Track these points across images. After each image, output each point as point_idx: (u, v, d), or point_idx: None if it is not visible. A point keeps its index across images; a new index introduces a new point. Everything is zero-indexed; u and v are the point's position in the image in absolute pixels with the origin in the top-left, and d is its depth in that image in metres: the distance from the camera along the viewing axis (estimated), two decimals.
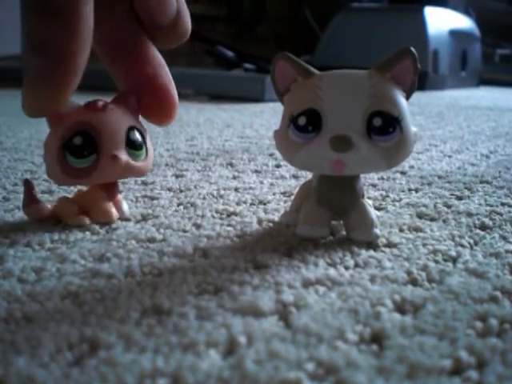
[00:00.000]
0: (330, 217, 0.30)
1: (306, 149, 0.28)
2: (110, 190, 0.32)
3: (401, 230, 0.32)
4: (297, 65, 0.29)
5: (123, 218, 0.33)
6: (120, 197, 0.33)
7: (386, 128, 0.27)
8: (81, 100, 0.31)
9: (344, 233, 0.31)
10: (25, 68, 0.27)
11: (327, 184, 0.30)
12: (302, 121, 0.28)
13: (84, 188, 0.33)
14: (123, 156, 0.30)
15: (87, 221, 0.32)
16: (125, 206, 0.34)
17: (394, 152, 0.28)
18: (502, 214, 0.36)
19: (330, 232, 0.30)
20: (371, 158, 0.27)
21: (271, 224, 0.33)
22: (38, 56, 0.26)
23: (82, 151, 0.30)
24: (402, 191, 0.42)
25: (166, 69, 0.32)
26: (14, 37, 1.59)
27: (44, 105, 0.28)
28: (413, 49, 0.28)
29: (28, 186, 0.33)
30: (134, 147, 0.31)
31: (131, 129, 0.31)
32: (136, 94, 0.31)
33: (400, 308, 0.22)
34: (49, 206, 0.33)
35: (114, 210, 0.33)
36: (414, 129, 0.29)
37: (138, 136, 0.31)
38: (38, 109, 0.28)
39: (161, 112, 0.32)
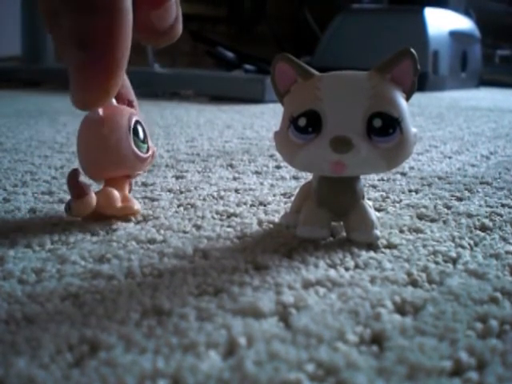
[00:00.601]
0: (330, 218, 0.30)
1: (306, 150, 0.28)
2: (131, 183, 0.34)
3: (401, 231, 0.32)
4: (297, 66, 0.29)
5: (126, 219, 0.33)
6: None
7: (386, 129, 0.27)
8: None
9: (344, 234, 0.31)
10: (70, 63, 0.28)
11: (327, 185, 0.30)
12: (302, 122, 0.28)
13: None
14: None
15: (136, 206, 0.33)
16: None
17: (394, 153, 0.28)
18: (502, 215, 0.36)
19: (330, 233, 0.30)
20: (371, 159, 0.27)
21: (271, 225, 0.33)
22: (84, 50, 0.27)
23: (144, 138, 0.33)
24: (402, 192, 0.42)
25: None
26: (13, 38, 1.59)
27: (95, 97, 0.28)
28: (413, 50, 0.28)
29: (74, 175, 0.31)
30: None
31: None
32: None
33: (400, 309, 0.22)
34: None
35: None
36: (414, 130, 0.29)
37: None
38: (88, 102, 0.29)
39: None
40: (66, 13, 0.27)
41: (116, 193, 0.32)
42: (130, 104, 0.33)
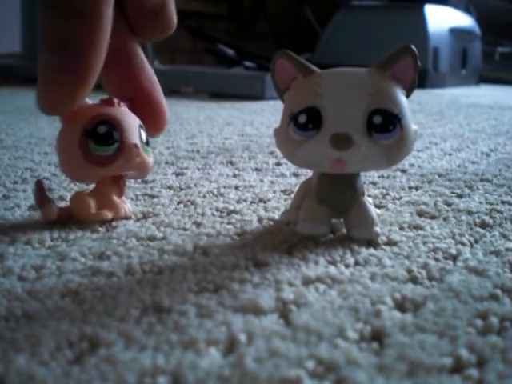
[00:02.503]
0: (330, 215, 0.30)
1: (306, 146, 0.28)
2: (121, 187, 0.33)
3: (401, 228, 0.32)
4: (297, 62, 0.29)
5: (126, 217, 0.33)
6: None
7: (386, 126, 0.27)
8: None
9: (344, 231, 0.31)
10: (42, 67, 0.28)
11: (327, 182, 0.30)
12: (302, 118, 0.28)
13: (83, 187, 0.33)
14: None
15: (109, 215, 0.32)
16: (129, 205, 0.34)
17: (395, 150, 0.28)
18: (502, 212, 0.36)
19: (330, 230, 0.30)
20: (371, 156, 0.27)
21: (271, 222, 0.33)
22: (58, 55, 0.27)
23: (107, 139, 0.30)
24: (403, 189, 0.42)
25: (158, 84, 0.33)
26: (14, 35, 1.59)
27: (63, 102, 0.28)
28: (413, 46, 0.28)
29: (40, 186, 0.32)
30: (146, 142, 0.32)
31: (141, 126, 0.32)
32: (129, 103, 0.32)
33: (400, 306, 0.22)
34: (61, 205, 0.33)
35: (127, 206, 0.33)
36: (414, 127, 0.29)
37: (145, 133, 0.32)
38: (56, 106, 0.28)
39: (153, 125, 0.33)
40: (43, 16, 0.27)
41: (87, 199, 0.32)
42: (108, 101, 0.31)
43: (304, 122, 0.28)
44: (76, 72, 0.27)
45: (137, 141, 0.31)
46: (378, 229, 0.30)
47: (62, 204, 0.35)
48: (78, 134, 0.30)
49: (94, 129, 0.30)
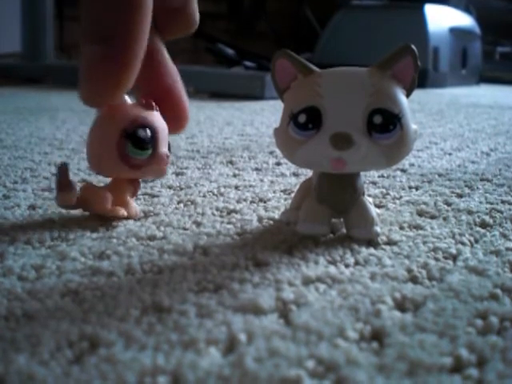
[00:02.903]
0: (330, 214, 0.30)
1: (306, 146, 0.28)
2: (136, 188, 0.33)
3: (401, 228, 0.32)
4: (297, 62, 0.29)
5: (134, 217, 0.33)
6: None
7: (386, 125, 0.27)
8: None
9: (344, 231, 0.31)
10: (86, 57, 0.27)
11: (327, 182, 0.30)
12: (302, 118, 0.28)
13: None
14: None
15: (125, 213, 0.32)
16: (137, 206, 0.34)
17: (395, 149, 0.28)
18: (502, 212, 0.36)
19: (330, 230, 0.30)
20: (371, 156, 0.27)
21: (271, 222, 0.33)
22: (103, 44, 0.27)
23: (145, 144, 0.31)
24: (403, 189, 0.42)
25: (181, 81, 0.33)
26: (13, 35, 1.59)
27: (108, 93, 0.28)
28: (413, 46, 0.28)
29: (63, 169, 0.32)
30: (168, 148, 0.32)
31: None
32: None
33: (400, 306, 0.22)
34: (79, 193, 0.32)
35: (138, 208, 0.33)
36: (414, 126, 0.29)
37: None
38: (100, 97, 0.28)
39: (175, 123, 0.33)
40: (86, 6, 0.27)
41: (105, 193, 0.32)
42: (148, 104, 0.31)
43: (304, 122, 0.28)
44: (122, 61, 0.27)
45: (167, 150, 0.32)
46: (378, 228, 0.30)
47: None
48: (118, 134, 0.30)
49: (134, 131, 0.30)
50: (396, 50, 0.28)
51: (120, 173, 0.31)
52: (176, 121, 0.32)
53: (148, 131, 0.31)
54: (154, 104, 0.31)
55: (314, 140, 0.27)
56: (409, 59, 0.28)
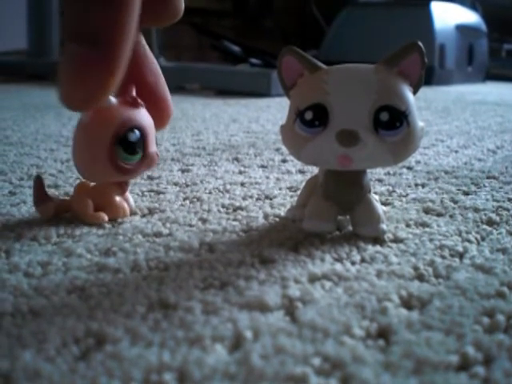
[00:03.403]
0: (336, 212, 0.30)
1: (313, 143, 0.28)
2: (123, 186, 0.32)
3: (407, 226, 0.32)
4: (303, 59, 0.29)
5: (130, 212, 0.33)
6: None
7: (392, 123, 0.27)
8: None
9: (350, 228, 0.31)
10: (69, 59, 0.25)
11: (334, 179, 0.30)
12: (309, 115, 0.28)
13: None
14: None
15: (106, 218, 0.31)
16: (132, 200, 0.34)
17: (402, 147, 0.28)
18: (508, 210, 0.35)
19: (336, 227, 0.30)
20: (378, 153, 0.27)
21: (277, 219, 0.33)
22: (87, 45, 0.25)
23: (136, 148, 0.30)
24: (409, 186, 0.42)
25: (162, 76, 0.32)
26: (19, 32, 1.59)
27: (95, 95, 0.26)
28: (420, 43, 0.28)
29: (38, 183, 0.32)
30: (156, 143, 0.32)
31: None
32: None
33: (407, 303, 0.22)
34: (58, 201, 0.32)
35: (127, 206, 0.33)
36: (421, 123, 0.28)
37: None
38: (87, 100, 0.26)
39: (159, 119, 0.32)
40: (68, 4, 0.25)
41: (86, 199, 0.31)
42: (134, 102, 0.30)
43: (310, 119, 0.28)
44: (108, 61, 0.25)
45: (156, 148, 0.31)
46: (384, 226, 0.30)
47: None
48: (108, 141, 0.29)
49: (124, 136, 0.29)
50: (403, 47, 0.28)
51: (110, 179, 0.31)
52: (160, 117, 0.32)
53: (137, 133, 0.30)
54: (139, 100, 0.30)
55: (320, 137, 0.27)
56: (416, 56, 0.28)
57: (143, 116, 0.31)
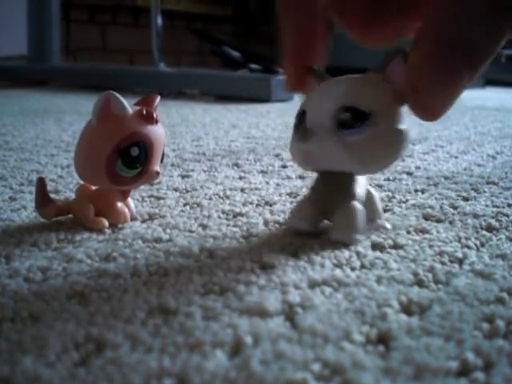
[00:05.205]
0: (315, 213, 0.31)
1: (290, 144, 0.30)
2: (125, 192, 0.33)
3: (407, 232, 0.32)
4: (314, 74, 0.30)
5: (131, 218, 0.33)
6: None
7: (352, 122, 0.27)
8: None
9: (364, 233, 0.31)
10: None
11: (321, 182, 0.31)
12: (297, 120, 0.30)
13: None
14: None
15: (106, 224, 0.31)
16: (133, 206, 0.34)
17: (363, 147, 0.28)
18: (508, 216, 0.36)
19: (313, 227, 0.31)
20: (335, 152, 0.28)
21: (277, 225, 0.33)
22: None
23: (135, 163, 0.30)
24: (409, 192, 0.42)
25: None
26: (20, 37, 1.59)
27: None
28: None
29: (41, 185, 0.32)
30: (162, 160, 0.32)
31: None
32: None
33: (406, 309, 0.22)
34: (60, 203, 0.32)
35: (127, 212, 0.33)
36: (402, 127, 0.28)
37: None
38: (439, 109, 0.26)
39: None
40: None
41: (87, 203, 0.32)
42: (148, 116, 0.31)
43: (297, 123, 0.30)
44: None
45: (158, 167, 0.31)
46: (357, 235, 0.30)
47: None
48: (110, 149, 0.30)
49: (126, 149, 0.30)
50: (386, 54, 0.28)
51: (103, 185, 0.31)
52: None
53: (141, 148, 0.30)
54: (155, 115, 0.31)
55: (293, 137, 0.30)
56: (398, 61, 0.28)
57: (153, 132, 0.31)
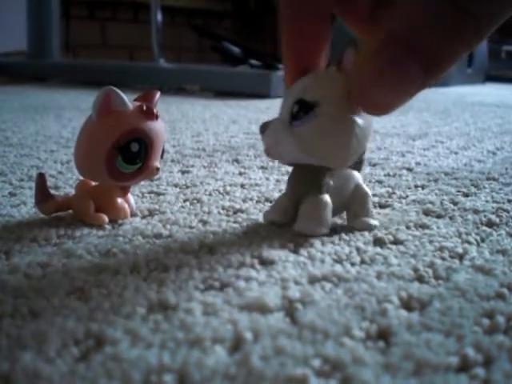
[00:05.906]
0: (287, 205, 0.31)
1: None
2: (125, 188, 0.33)
3: (407, 227, 0.32)
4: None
5: (131, 214, 0.33)
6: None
7: (299, 113, 0.28)
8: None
9: (347, 229, 0.31)
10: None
11: (295, 174, 0.31)
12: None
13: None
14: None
15: (106, 220, 0.31)
16: (133, 202, 0.34)
17: (308, 135, 0.28)
18: (508, 211, 0.35)
19: (285, 218, 0.31)
20: (286, 143, 0.29)
21: None
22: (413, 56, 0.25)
23: (136, 158, 0.30)
24: (409, 188, 0.42)
25: None
26: (19, 33, 1.59)
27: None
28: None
29: (41, 180, 0.32)
30: (162, 156, 0.32)
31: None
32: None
33: (406, 305, 0.22)
34: (60, 199, 0.32)
35: (127, 208, 0.33)
36: (358, 120, 0.28)
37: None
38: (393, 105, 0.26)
39: None
40: None
41: (87, 200, 0.32)
42: (149, 112, 0.31)
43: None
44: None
45: (158, 163, 0.31)
46: (320, 229, 0.30)
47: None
48: (109, 145, 0.29)
49: (127, 144, 0.30)
50: (341, 46, 0.28)
51: (103, 181, 0.31)
52: None
53: (141, 144, 0.30)
54: (155, 111, 0.31)
55: None
56: (350, 52, 0.28)
57: (153, 128, 0.31)
